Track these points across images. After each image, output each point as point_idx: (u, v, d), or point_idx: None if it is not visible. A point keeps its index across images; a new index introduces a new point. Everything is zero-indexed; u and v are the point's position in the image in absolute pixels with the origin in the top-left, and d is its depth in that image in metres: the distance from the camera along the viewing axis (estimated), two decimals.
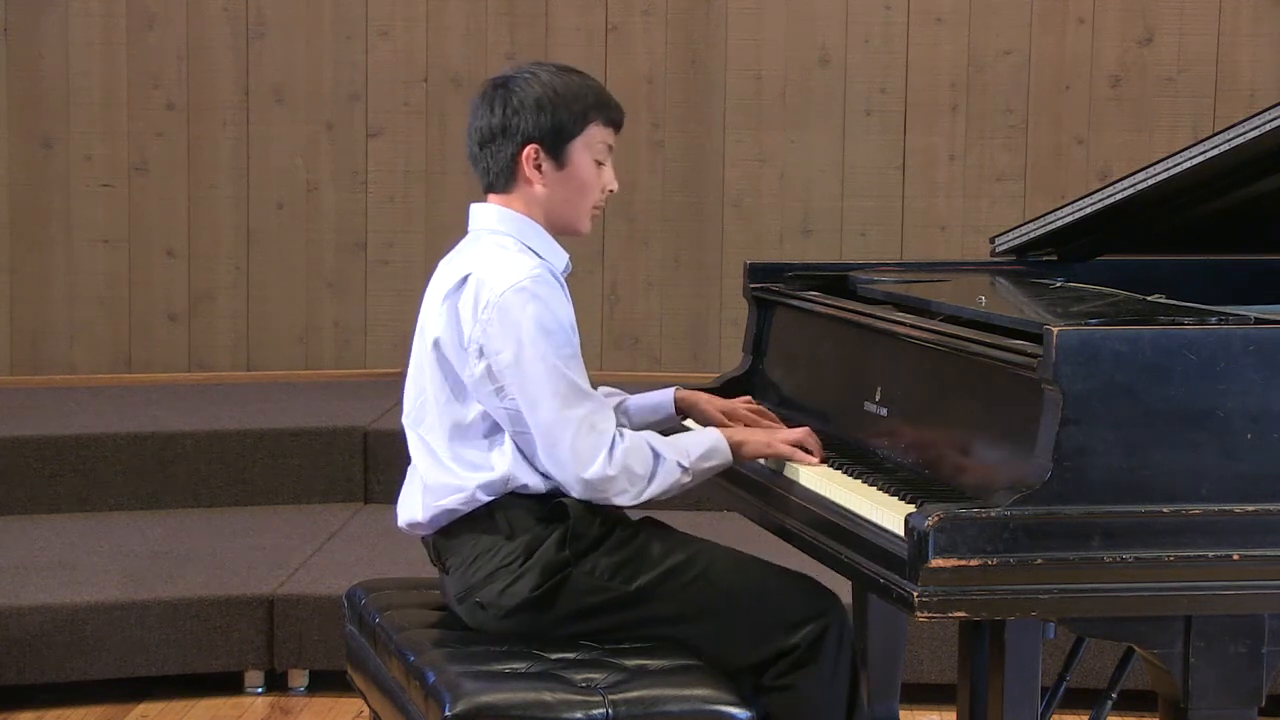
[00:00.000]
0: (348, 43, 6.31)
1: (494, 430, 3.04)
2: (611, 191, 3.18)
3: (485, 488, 3.03)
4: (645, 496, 3.03)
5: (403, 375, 3.20)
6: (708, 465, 3.07)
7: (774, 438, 3.13)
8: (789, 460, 3.08)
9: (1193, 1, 6.11)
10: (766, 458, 3.13)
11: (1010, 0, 6.16)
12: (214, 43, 6.29)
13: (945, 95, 6.21)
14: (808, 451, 3.08)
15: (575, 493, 3.01)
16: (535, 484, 3.03)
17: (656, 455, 3.01)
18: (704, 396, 3.39)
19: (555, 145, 3.09)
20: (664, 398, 3.39)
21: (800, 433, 3.12)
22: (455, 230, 3.27)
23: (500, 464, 3.02)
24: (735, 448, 3.09)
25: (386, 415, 5.54)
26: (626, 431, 3.02)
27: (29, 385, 6.20)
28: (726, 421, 3.29)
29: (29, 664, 4.41)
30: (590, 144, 3.11)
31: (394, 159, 6.31)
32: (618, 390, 3.42)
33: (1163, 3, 6.12)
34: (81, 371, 6.30)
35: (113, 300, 6.31)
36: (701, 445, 3.07)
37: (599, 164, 3.13)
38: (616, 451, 2.97)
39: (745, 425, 3.26)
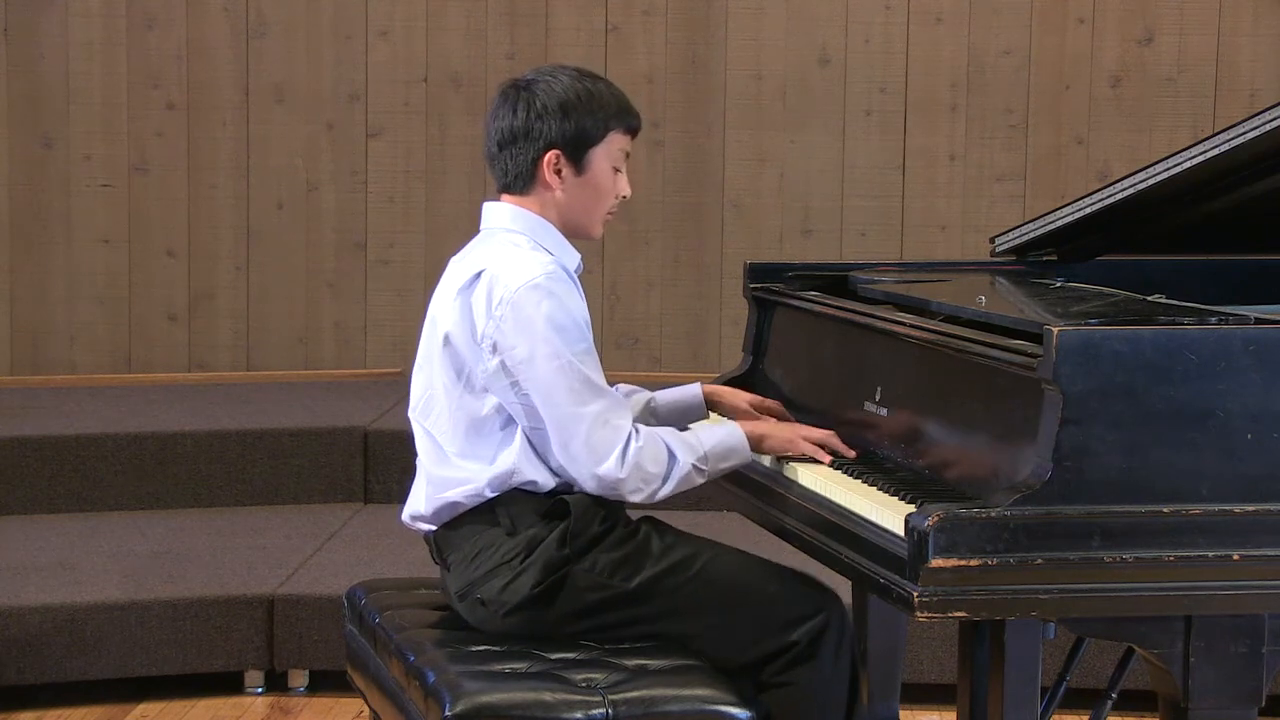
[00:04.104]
0: (348, 43, 6.30)
1: (508, 424, 3.04)
2: (624, 198, 3.19)
3: (491, 482, 3.03)
4: (659, 496, 3.03)
5: (403, 375, 3.22)
6: (725, 465, 3.09)
7: (797, 434, 3.12)
8: (812, 459, 3.07)
9: (1193, 1, 6.11)
10: (788, 455, 3.12)
11: (1010, 0, 6.16)
12: (214, 43, 6.29)
13: (945, 95, 6.21)
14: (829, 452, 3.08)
15: (588, 489, 3.01)
16: (541, 480, 3.04)
17: (672, 456, 3.00)
18: (731, 391, 3.38)
19: (577, 152, 3.10)
20: (694, 399, 3.38)
21: (824, 433, 3.12)
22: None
23: (508, 458, 3.02)
24: (756, 442, 3.10)
25: (386, 415, 5.53)
26: (643, 429, 3.02)
27: (29, 385, 6.20)
28: (756, 414, 3.28)
29: (29, 664, 4.41)
30: (610, 151, 3.12)
31: (394, 159, 6.30)
32: (639, 388, 3.41)
33: (1163, 3, 6.12)
34: (81, 371, 6.30)
35: (113, 300, 6.31)
36: (721, 444, 3.06)
37: (616, 171, 3.15)
38: (631, 449, 2.97)
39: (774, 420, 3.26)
